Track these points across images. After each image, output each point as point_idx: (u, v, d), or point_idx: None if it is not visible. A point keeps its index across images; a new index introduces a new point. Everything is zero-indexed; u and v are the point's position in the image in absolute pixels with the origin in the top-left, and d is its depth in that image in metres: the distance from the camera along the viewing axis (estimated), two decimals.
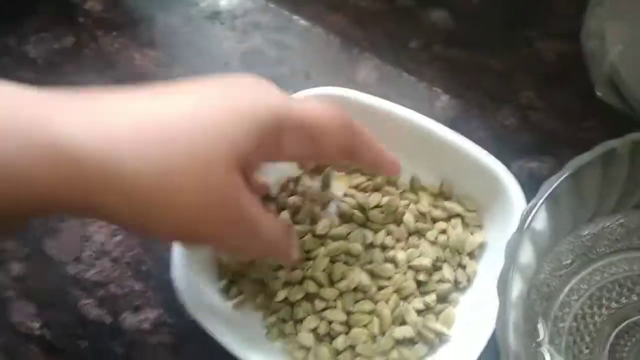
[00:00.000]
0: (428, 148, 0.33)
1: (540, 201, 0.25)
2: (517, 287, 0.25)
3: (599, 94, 0.37)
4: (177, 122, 0.19)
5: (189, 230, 0.20)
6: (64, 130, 0.18)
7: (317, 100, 0.33)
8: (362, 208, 0.33)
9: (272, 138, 0.22)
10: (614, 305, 0.30)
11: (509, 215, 0.30)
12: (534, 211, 0.25)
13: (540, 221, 0.26)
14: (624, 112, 0.36)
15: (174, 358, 0.33)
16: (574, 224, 0.29)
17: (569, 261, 0.31)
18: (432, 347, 0.30)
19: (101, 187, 0.18)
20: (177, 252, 0.31)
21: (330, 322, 0.31)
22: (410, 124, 0.33)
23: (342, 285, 0.31)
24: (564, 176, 0.26)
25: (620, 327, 0.30)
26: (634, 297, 0.31)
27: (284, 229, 0.26)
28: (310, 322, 0.31)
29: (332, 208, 0.34)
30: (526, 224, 0.25)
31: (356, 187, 0.35)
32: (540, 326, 0.30)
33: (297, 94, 0.34)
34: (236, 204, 0.20)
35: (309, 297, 0.31)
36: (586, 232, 0.31)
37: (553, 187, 0.25)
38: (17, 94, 0.19)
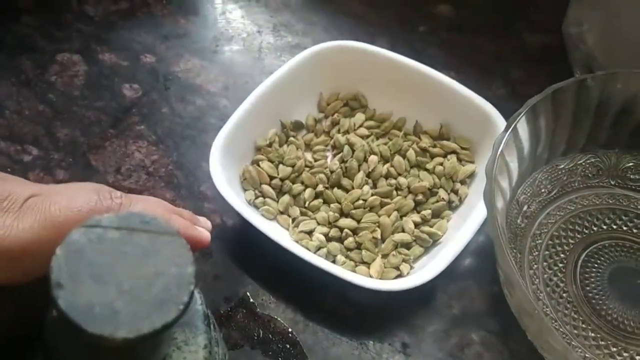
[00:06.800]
0: (431, 93, 0.39)
1: (525, 110, 0.31)
2: (503, 181, 0.30)
3: (577, 75, 0.43)
4: None
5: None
6: None
7: (335, 50, 0.40)
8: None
9: None
10: (585, 231, 0.35)
11: None
12: (519, 117, 0.30)
13: (522, 129, 0.31)
14: None
15: (200, 254, 0.37)
16: (550, 151, 0.35)
17: (546, 190, 0.36)
18: (426, 248, 0.35)
19: None
20: (214, 166, 0.35)
21: (342, 229, 0.35)
22: (417, 72, 0.39)
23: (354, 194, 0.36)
24: (545, 94, 0.31)
25: (589, 249, 0.35)
26: (603, 226, 0.35)
27: None
28: (323, 228, 0.35)
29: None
30: (511, 126, 0.30)
31: (368, 128, 0.40)
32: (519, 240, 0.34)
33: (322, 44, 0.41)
34: None
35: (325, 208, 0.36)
36: (562, 166, 0.36)
37: (534, 102, 0.31)
38: None
